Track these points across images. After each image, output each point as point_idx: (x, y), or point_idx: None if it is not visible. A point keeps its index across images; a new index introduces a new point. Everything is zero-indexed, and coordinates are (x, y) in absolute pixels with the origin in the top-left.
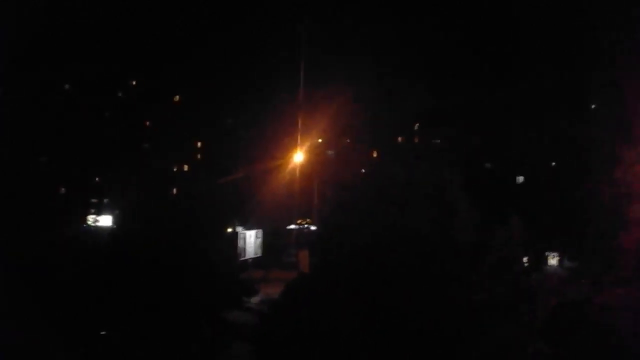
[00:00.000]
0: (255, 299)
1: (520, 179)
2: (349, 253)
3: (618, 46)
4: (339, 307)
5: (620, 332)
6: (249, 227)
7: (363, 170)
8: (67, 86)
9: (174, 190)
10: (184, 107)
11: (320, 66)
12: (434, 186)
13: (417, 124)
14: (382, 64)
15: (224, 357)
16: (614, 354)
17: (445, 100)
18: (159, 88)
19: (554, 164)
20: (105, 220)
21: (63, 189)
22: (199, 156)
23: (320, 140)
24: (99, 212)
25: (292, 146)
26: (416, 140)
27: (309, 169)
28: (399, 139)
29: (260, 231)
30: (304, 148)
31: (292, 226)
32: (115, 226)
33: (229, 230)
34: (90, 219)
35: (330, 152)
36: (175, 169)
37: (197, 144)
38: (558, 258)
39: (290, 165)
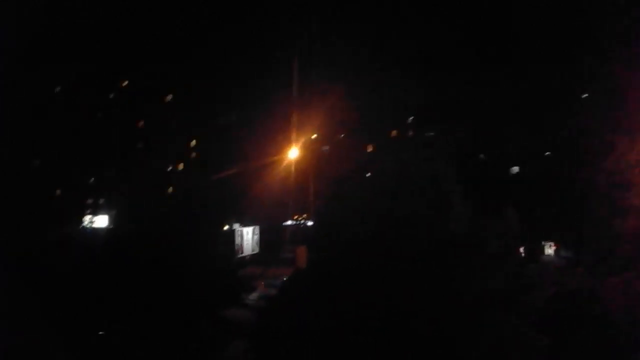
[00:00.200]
0: (253, 296)
1: (515, 169)
2: (344, 247)
3: (610, 36)
4: (335, 302)
5: (616, 320)
6: (246, 224)
7: (358, 164)
8: (58, 89)
9: (170, 189)
10: (178, 105)
11: (314, 61)
12: (428, 178)
13: (412, 117)
14: (376, 57)
15: (223, 355)
16: (610, 343)
17: (438, 92)
18: (153, 87)
19: (548, 153)
20: (102, 221)
21: (58, 191)
22: (193, 154)
23: (315, 136)
24: (94, 213)
25: (287, 142)
26: (410, 133)
27: (304, 165)
28: (394, 132)
29: (257, 228)
30: (299, 144)
31: (289, 222)
32: (111, 226)
33: (226, 227)
34: (86, 219)
35: (325, 148)
36: (170, 168)
37: (191, 142)
38: (554, 248)
39: (286, 162)
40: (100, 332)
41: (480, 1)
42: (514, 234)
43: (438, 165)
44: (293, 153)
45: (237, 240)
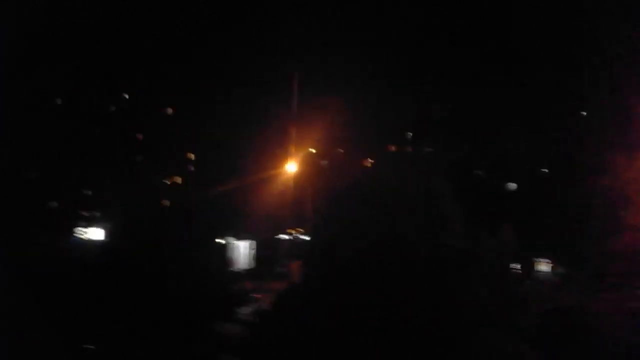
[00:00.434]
0: (246, 310)
1: (512, 185)
2: (339, 263)
3: (611, 52)
4: (328, 317)
5: (609, 338)
6: (241, 238)
7: (355, 179)
8: (58, 101)
9: (166, 202)
10: (177, 119)
11: (313, 76)
12: (424, 194)
13: (409, 133)
14: (375, 72)
15: None
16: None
17: (436, 109)
18: (152, 100)
19: (545, 170)
20: (97, 233)
21: (54, 203)
22: (191, 168)
23: (313, 151)
24: (89, 225)
25: (284, 157)
26: (408, 148)
27: (301, 179)
28: (392, 147)
29: (253, 242)
30: (296, 158)
31: (284, 236)
32: (106, 239)
33: (221, 241)
34: (79, 230)
35: (323, 162)
36: (167, 182)
37: (188, 156)
38: (550, 264)
39: (283, 176)
40: (91, 346)
41: (480, 18)
42: (510, 251)
43: (435, 181)
44: (291, 167)
45: (232, 254)
